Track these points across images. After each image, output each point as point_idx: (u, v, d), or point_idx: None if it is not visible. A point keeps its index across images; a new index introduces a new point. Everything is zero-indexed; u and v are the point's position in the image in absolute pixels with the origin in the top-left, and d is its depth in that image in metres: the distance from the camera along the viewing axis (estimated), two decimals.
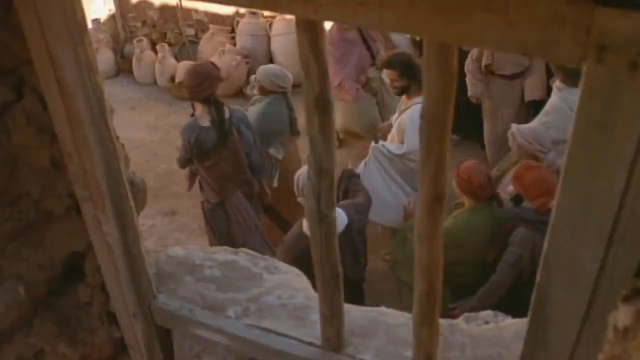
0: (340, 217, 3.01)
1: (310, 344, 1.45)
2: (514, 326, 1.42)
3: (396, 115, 4.21)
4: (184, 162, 3.91)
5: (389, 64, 4.04)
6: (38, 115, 1.38)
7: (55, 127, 1.36)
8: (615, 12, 0.67)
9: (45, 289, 1.64)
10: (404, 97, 4.15)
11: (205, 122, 3.75)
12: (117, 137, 1.41)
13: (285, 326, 1.50)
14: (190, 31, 7.62)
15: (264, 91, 4.33)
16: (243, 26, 7.09)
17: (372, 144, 4.15)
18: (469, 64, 4.81)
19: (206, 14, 7.49)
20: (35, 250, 1.58)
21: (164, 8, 7.73)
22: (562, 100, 3.86)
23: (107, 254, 1.53)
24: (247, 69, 6.83)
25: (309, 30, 0.98)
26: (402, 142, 4.05)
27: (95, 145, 1.34)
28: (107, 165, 1.38)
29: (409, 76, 3.96)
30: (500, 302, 2.99)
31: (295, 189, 3.21)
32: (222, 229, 3.99)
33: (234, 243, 3.86)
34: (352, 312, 1.51)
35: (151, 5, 7.83)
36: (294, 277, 1.69)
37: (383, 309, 1.56)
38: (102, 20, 7.75)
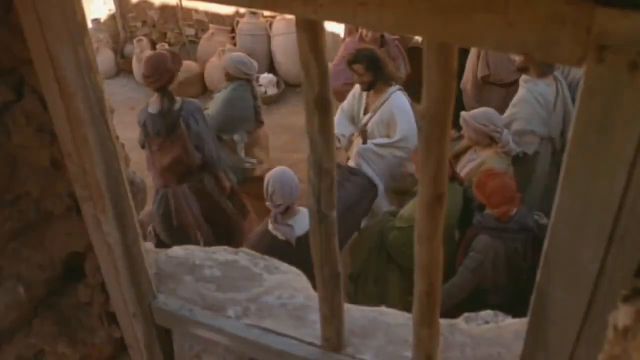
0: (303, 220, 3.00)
1: (310, 344, 1.45)
2: (514, 326, 1.42)
3: (369, 115, 4.16)
4: (141, 143, 4.03)
5: (355, 59, 4.03)
6: (38, 115, 1.38)
7: (55, 127, 1.36)
8: (615, 12, 0.67)
9: (45, 289, 1.64)
10: (371, 93, 4.14)
11: (154, 109, 3.85)
12: (117, 137, 1.41)
13: (285, 326, 1.50)
14: (190, 31, 7.62)
15: (229, 77, 4.51)
16: (243, 26, 7.09)
17: (360, 145, 4.10)
18: None
19: (206, 14, 7.49)
20: (35, 250, 1.58)
21: (164, 8, 7.73)
22: (528, 92, 3.95)
23: (107, 254, 1.53)
24: None
25: (309, 30, 0.98)
26: (387, 136, 4.05)
27: (95, 145, 1.34)
28: (107, 165, 1.38)
29: (374, 70, 3.97)
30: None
31: (265, 193, 3.19)
32: (158, 214, 4.05)
33: (169, 230, 4.00)
34: (352, 312, 1.51)
35: (151, 5, 7.83)
36: (294, 277, 1.69)
37: (383, 309, 1.56)
38: (102, 20, 7.75)
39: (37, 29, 1.20)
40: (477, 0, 0.74)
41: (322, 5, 0.86)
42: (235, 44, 7.14)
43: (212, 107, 4.58)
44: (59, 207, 1.53)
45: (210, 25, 7.39)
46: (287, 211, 3.12)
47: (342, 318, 1.38)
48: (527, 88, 3.96)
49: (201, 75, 7.03)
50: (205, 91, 6.99)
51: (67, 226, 1.57)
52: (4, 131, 1.41)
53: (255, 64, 4.55)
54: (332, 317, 1.37)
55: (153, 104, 3.89)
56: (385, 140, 4.05)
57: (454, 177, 3.39)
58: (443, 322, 1.39)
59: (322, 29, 0.99)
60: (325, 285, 1.32)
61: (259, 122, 4.66)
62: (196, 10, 7.52)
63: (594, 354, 0.93)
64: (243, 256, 1.76)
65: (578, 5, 0.69)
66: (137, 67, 7.51)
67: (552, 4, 0.70)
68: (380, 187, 3.98)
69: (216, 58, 6.70)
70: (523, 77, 4.05)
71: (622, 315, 0.78)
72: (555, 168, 3.96)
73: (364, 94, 4.20)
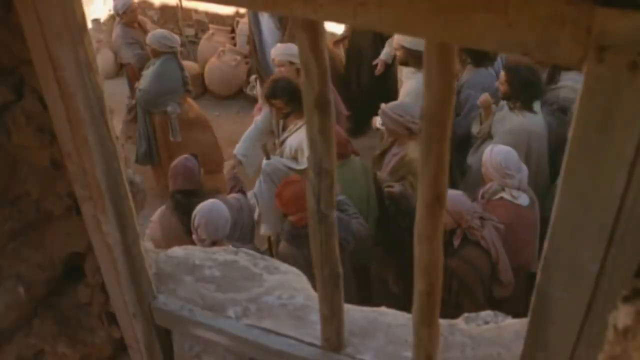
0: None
1: (310, 344, 1.45)
2: (514, 326, 1.42)
3: (286, 134, 4.13)
4: None
5: (273, 93, 3.99)
6: (38, 115, 1.38)
7: (55, 127, 1.36)
8: (615, 12, 0.67)
9: (45, 289, 1.64)
10: (291, 117, 4.12)
11: None
12: (117, 137, 1.41)
13: (285, 326, 1.50)
14: (190, 31, 7.61)
15: (155, 53, 4.82)
16: (243, 26, 7.08)
17: (264, 161, 4.05)
18: None
19: (206, 14, 7.48)
20: (35, 250, 1.58)
21: (164, 8, 7.73)
22: (417, 83, 4.03)
23: (107, 254, 1.53)
24: (247, 69, 6.82)
25: (309, 30, 0.98)
26: (295, 159, 3.99)
27: (95, 145, 1.34)
28: (107, 165, 1.38)
29: (294, 102, 3.90)
30: None
31: (191, 224, 3.16)
32: None
33: None
34: (352, 312, 1.51)
35: (151, 5, 7.82)
36: (294, 277, 1.69)
37: (383, 309, 1.56)
38: (102, 20, 7.74)
39: (37, 29, 1.20)
40: (477, 0, 0.74)
41: (322, 5, 0.86)
42: (235, 44, 7.14)
43: (143, 83, 4.87)
44: (59, 207, 1.53)
45: (210, 26, 7.38)
46: (214, 246, 3.03)
47: (342, 318, 1.38)
48: (417, 79, 4.06)
49: (201, 76, 7.02)
50: (205, 92, 6.98)
51: (67, 226, 1.57)
52: (4, 131, 1.41)
53: (177, 37, 4.97)
54: (332, 318, 1.37)
55: None
56: (293, 164, 3.99)
57: (352, 153, 3.47)
58: (443, 322, 1.39)
59: (322, 29, 0.99)
60: (325, 285, 1.32)
61: (187, 92, 5.01)
62: (196, 11, 7.51)
63: (594, 354, 0.93)
64: (243, 256, 1.76)
65: (578, 6, 0.69)
66: None
67: (552, 4, 0.70)
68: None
69: (216, 58, 6.69)
70: (408, 69, 4.16)
71: (622, 315, 0.78)
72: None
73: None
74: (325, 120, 1.09)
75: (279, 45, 4.57)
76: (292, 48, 4.36)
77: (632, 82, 0.71)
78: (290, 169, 3.96)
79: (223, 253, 1.78)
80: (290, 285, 1.64)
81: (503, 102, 3.97)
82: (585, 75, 0.74)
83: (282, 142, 4.12)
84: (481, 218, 3.05)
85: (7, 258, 1.54)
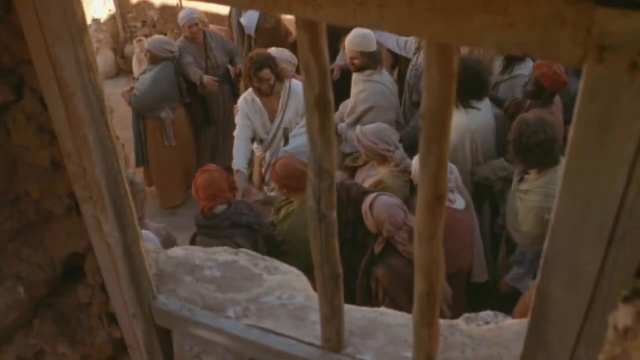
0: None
1: (310, 344, 1.45)
2: (514, 326, 1.42)
3: (279, 118, 4.18)
4: None
5: (262, 64, 4.04)
6: (38, 115, 1.38)
7: (55, 127, 1.36)
8: (615, 12, 0.67)
9: (45, 289, 1.64)
10: (264, 100, 4.16)
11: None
12: (117, 137, 1.41)
13: (285, 326, 1.50)
14: None
15: (155, 59, 4.86)
16: None
17: (282, 148, 4.10)
18: None
19: (206, 14, 7.48)
20: (35, 250, 1.58)
21: (164, 8, 7.73)
22: (376, 83, 4.12)
23: (107, 254, 1.53)
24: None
25: (309, 30, 0.98)
26: None
27: (95, 145, 1.34)
28: (107, 165, 1.38)
29: (277, 72, 4.00)
30: None
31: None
32: None
33: None
34: (352, 312, 1.51)
35: (151, 5, 7.83)
36: (294, 278, 1.69)
37: (383, 309, 1.56)
38: (102, 20, 7.74)
39: (37, 29, 1.20)
40: (477, 1, 0.74)
41: (322, 5, 0.86)
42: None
43: (139, 87, 4.86)
44: (59, 207, 1.53)
45: (210, 25, 7.38)
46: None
47: (342, 318, 1.38)
48: (376, 80, 4.13)
49: None
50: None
51: (67, 226, 1.57)
52: (4, 131, 1.41)
53: (175, 43, 5.03)
54: (332, 318, 1.37)
55: None
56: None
57: None
58: (443, 322, 1.39)
59: (322, 29, 0.99)
60: (325, 285, 1.32)
61: (182, 97, 5.05)
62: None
63: (594, 354, 0.93)
64: (243, 256, 1.76)
65: (578, 5, 0.69)
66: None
67: (552, 4, 0.70)
68: None
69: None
70: (365, 74, 4.17)
71: (622, 316, 0.78)
72: None
73: (257, 101, 4.17)
74: (325, 120, 1.09)
75: (272, 49, 4.58)
76: (284, 52, 4.41)
77: (632, 82, 0.71)
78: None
79: (223, 253, 1.78)
80: (290, 286, 1.64)
81: None
82: (585, 75, 0.74)
83: (278, 130, 4.16)
84: (411, 232, 2.99)
85: (7, 258, 1.54)
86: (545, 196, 3.24)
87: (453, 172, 3.23)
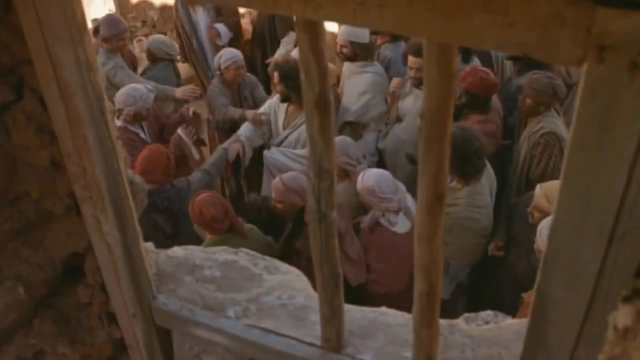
0: None
1: (310, 344, 1.45)
2: (514, 326, 1.42)
3: (287, 131, 4.08)
4: None
5: (274, 66, 4.03)
6: (38, 115, 1.38)
7: (55, 127, 1.36)
8: (615, 12, 0.67)
9: (45, 289, 1.64)
10: (290, 108, 4.04)
11: None
12: (117, 137, 1.41)
13: (285, 326, 1.50)
14: None
15: (154, 59, 4.84)
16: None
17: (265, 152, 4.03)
18: None
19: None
20: (35, 250, 1.58)
21: (164, 8, 7.72)
22: (371, 74, 4.14)
23: (107, 254, 1.53)
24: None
25: (309, 30, 0.98)
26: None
27: (95, 145, 1.34)
28: (107, 165, 1.38)
29: (287, 82, 3.86)
30: None
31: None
32: None
33: None
34: (352, 312, 1.51)
35: (151, 5, 7.82)
36: (294, 278, 1.69)
37: (383, 309, 1.56)
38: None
39: (37, 29, 1.20)
40: (477, 1, 0.74)
41: (322, 5, 0.86)
42: None
43: None
44: (59, 207, 1.53)
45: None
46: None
47: (342, 318, 1.38)
48: (371, 71, 4.15)
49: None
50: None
51: (67, 226, 1.57)
52: (4, 131, 1.41)
53: (176, 45, 4.93)
54: (332, 318, 1.37)
55: None
56: (298, 152, 3.91)
57: (230, 228, 3.14)
58: (443, 322, 1.39)
59: (322, 29, 0.99)
60: (325, 285, 1.32)
61: (198, 76, 5.05)
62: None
63: (594, 354, 0.93)
64: (243, 256, 1.76)
65: (578, 5, 0.69)
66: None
67: (552, 4, 0.70)
68: None
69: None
70: (354, 65, 4.18)
71: (622, 316, 0.78)
72: None
73: (284, 106, 4.10)
74: (325, 120, 1.09)
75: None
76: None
77: (632, 82, 0.71)
78: (297, 156, 3.93)
79: (223, 253, 1.78)
80: (290, 286, 1.64)
81: (408, 83, 4.03)
82: (585, 75, 0.74)
83: (281, 142, 4.10)
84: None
85: (7, 258, 1.54)
86: (468, 206, 3.24)
87: (398, 192, 3.14)
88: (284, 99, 4.04)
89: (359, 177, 3.20)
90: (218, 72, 4.55)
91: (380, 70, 4.32)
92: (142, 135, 3.95)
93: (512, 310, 2.57)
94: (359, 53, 4.16)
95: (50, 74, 1.25)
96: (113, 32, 4.41)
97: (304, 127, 4.08)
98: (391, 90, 4.24)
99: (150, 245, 1.78)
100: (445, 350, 1.37)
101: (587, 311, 0.95)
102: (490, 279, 3.38)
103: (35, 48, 1.24)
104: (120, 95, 3.73)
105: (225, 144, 4.04)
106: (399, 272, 3.11)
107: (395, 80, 4.23)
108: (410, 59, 3.93)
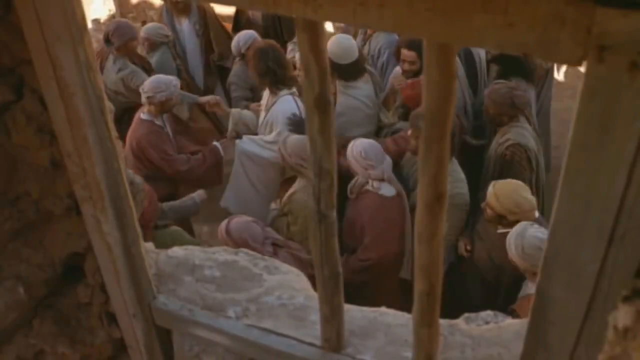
0: None
1: (310, 344, 1.45)
2: (514, 326, 1.42)
3: (262, 115, 4.12)
4: None
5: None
6: (38, 115, 1.38)
7: (55, 127, 1.36)
8: (615, 12, 0.67)
9: (45, 289, 1.64)
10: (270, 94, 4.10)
11: None
12: (117, 137, 1.41)
13: (285, 327, 1.50)
14: None
15: (153, 46, 4.89)
16: None
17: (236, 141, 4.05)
18: None
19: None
20: (35, 250, 1.58)
21: None
22: (352, 98, 4.04)
23: (106, 254, 1.53)
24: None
25: (309, 30, 0.98)
26: None
27: (94, 145, 1.34)
28: (107, 165, 1.38)
29: (261, 67, 3.92)
30: None
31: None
32: None
33: None
34: (352, 312, 1.51)
35: (151, 5, 7.83)
36: (294, 278, 1.69)
37: (383, 309, 1.56)
38: (102, 20, 7.74)
39: (37, 29, 1.20)
40: (477, 1, 0.74)
41: (322, 5, 0.86)
42: None
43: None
44: (59, 207, 1.53)
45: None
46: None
47: (342, 318, 1.38)
48: (349, 94, 4.03)
49: None
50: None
51: (67, 226, 1.57)
52: (4, 131, 1.42)
53: (166, 27, 5.03)
54: (332, 318, 1.37)
55: None
56: (267, 138, 3.92)
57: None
58: (443, 322, 1.39)
59: (322, 29, 0.99)
60: (325, 285, 1.32)
61: (182, 80, 4.95)
62: None
63: (594, 354, 0.93)
64: (243, 256, 1.76)
65: (578, 5, 0.69)
66: None
67: (552, 4, 0.70)
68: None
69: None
70: (340, 84, 4.04)
71: (622, 316, 0.78)
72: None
73: (267, 92, 4.12)
74: (325, 120, 1.09)
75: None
76: None
77: (632, 82, 0.71)
78: (260, 145, 3.94)
79: (223, 253, 1.78)
80: (290, 286, 1.64)
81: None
82: (585, 75, 0.74)
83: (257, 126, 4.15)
84: (275, 245, 2.99)
85: (7, 258, 1.54)
86: (453, 182, 3.28)
87: (384, 162, 3.27)
88: (259, 84, 4.11)
89: (350, 144, 3.34)
90: (239, 58, 4.67)
91: (362, 93, 4.09)
92: (166, 129, 4.04)
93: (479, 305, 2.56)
94: (342, 74, 3.98)
95: (50, 74, 1.25)
96: (127, 38, 4.51)
97: (272, 109, 3.89)
98: (396, 87, 4.20)
99: (150, 245, 1.78)
100: (445, 350, 1.37)
101: (587, 311, 0.95)
102: (460, 277, 3.44)
103: (35, 48, 1.24)
104: (149, 83, 3.86)
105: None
106: (389, 237, 3.20)
107: (395, 78, 4.20)
108: (404, 52, 3.93)
